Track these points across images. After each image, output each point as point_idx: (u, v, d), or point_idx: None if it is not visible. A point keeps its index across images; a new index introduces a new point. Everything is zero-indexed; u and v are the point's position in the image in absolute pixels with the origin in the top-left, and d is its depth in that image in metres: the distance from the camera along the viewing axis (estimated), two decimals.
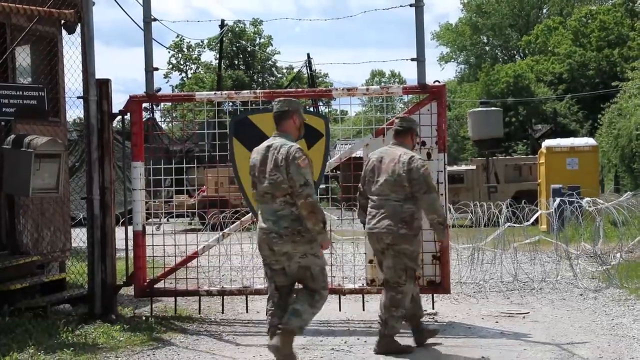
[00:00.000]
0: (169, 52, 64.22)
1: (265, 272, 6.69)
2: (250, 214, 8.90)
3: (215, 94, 9.49)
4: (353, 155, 9.61)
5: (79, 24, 9.08)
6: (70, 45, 9.66)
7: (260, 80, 65.59)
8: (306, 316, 6.47)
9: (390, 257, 7.15)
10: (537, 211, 13.55)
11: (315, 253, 6.48)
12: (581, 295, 9.99)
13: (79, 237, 10.71)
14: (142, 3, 9.17)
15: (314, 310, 6.52)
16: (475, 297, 10.13)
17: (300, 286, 6.62)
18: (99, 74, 8.89)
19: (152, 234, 9.16)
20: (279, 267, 6.49)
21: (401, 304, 7.16)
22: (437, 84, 8.84)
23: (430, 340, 7.48)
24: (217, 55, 44.23)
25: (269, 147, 6.56)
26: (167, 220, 16.59)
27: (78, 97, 9.02)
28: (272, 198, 6.44)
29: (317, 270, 6.50)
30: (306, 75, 45.24)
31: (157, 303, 9.47)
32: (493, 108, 30.98)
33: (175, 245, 9.22)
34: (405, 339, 7.43)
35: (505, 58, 63.97)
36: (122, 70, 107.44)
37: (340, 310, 8.95)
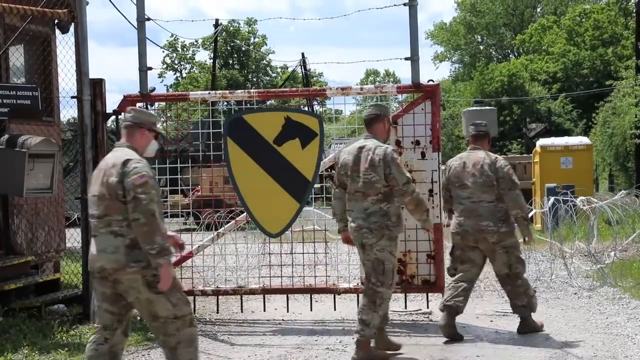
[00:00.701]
0: (163, 51, 64.16)
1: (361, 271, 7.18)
2: (245, 213, 8.90)
3: (209, 93, 9.49)
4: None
5: (73, 24, 9.07)
6: (64, 45, 9.66)
7: (254, 79, 65.59)
8: (374, 321, 6.80)
9: (501, 254, 7.70)
10: (532, 210, 13.56)
11: (392, 251, 6.87)
12: (575, 294, 10.01)
13: (74, 237, 10.69)
14: (136, 2, 9.17)
15: (380, 313, 6.86)
16: (470, 296, 10.12)
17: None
18: (93, 74, 8.90)
19: None
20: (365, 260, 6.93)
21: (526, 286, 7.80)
22: (431, 83, 8.84)
23: None
24: (212, 55, 44.23)
25: (361, 148, 6.97)
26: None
27: (72, 97, 9.01)
28: (363, 196, 6.86)
29: (389, 267, 6.84)
30: (301, 74, 45.26)
31: None
32: (487, 107, 31.01)
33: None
34: (400, 337, 7.42)
35: (500, 57, 64.04)
36: (116, 70, 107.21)
37: (335, 309, 8.96)
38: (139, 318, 8.68)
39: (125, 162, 5.33)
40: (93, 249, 5.43)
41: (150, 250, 5.19)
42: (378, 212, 6.80)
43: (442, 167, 8.43)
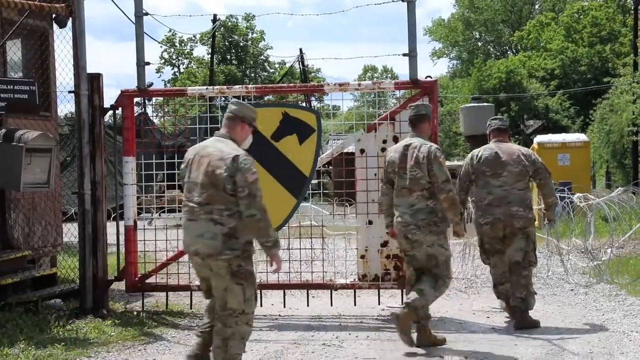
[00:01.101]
0: (161, 46, 64.19)
1: (405, 260, 7.62)
2: None
3: (207, 89, 9.47)
4: (344, 150, 9.60)
5: (70, 18, 9.06)
6: (62, 40, 9.64)
7: (252, 75, 65.54)
8: (428, 297, 7.13)
9: (521, 239, 8.01)
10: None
11: (442, 244, 7.26)
12: (572, 290, 10.03)
13: (70, 232, 10.68)
14: None
15: (436, 294, 7.23)
16: (467, 292, 10.15)
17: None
18: (91, 69, 8.88)
19: (144, 229, 9.15)
20: (413, 253, 7.30)
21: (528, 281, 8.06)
22: (428, 79, 8.84)
23: None
24: (210, 50, 44.16)
25: (407, 146, 7.36)
26: (159, 215, 16.55)
27: (69, 92, 9.00)
28: (409, 192, 7.27)
29: (442, 259, 7.23)
30: (298, 70, 45.21)
31: (149, 298, 9.47)
32: (485, 104, 31.03)
33: (166, 240, 9.20)
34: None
35: (498, 54, 64.01)
36: (114, 65, 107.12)
37: (332, 305, 8.96)
38: (135, 313, 8.70)
39: (235, 158, 5.66)
40: (188, 232, 5.81)
41: (266, 243, 5.68)
42: (425, 209, 7.21)
43: (466, 158, 8.60)
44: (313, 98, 39.43)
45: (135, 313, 8.75)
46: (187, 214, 5.84)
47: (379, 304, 9.08)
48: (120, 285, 9.50)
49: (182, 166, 6.03)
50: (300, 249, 8.98)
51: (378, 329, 8.01)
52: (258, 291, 8.95)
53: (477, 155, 8.38)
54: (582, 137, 22.51)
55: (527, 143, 33.29)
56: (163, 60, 65.67)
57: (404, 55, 8.76)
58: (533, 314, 8.04)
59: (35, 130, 8.98)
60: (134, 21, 9.14)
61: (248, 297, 5.76)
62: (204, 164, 5.75)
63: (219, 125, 8.82)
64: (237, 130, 6.01)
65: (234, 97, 10.01)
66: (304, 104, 30.19)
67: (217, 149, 5.79)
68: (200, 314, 8.83)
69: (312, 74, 59.77)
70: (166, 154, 10.02)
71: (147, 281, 9.10)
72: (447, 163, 25.26)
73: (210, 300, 5.99)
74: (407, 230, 7.24)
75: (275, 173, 8.64)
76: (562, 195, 12.40)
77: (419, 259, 7.28)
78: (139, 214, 9.40)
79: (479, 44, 66.74)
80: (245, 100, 9.38)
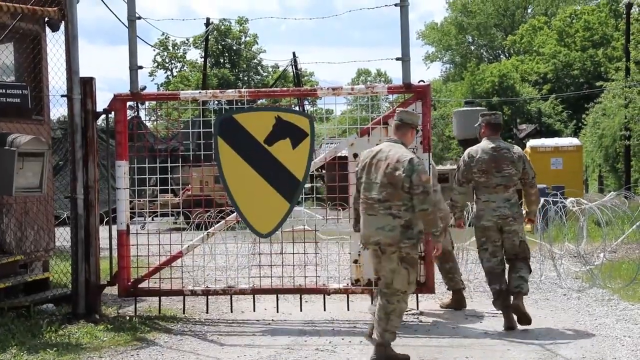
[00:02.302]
0: (154, 50, 64.05)
1: (490, 251, 8.22)
2: (235, 213, 8.88)
3: (200, 92, 9.46)
4: (338, 154, 9.60)
5: (63, 22, 9.03)
6: (54, 43, 9.62)
7: (245, 78, 65.50)
8: (527, 279, 8.15)
9: (515, 237, 8.30)
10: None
11: (524, 231, 8.36)
12: (565, 295, 10.03)
13: (63, 236, 10.66)
14: (126, 1, 9.13)
15: (529, 274, 8.25)
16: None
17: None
18: (83, 72, 8.86)
19: (137, 233, 9.13)
20: (508, 242, 8.16)
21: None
22: (421, 83, 8.84)
23: None
24: (203, 54, 44.12)
25: (495, 148, 8.28)
26: (152, 219, 16.54)
27: (62, 96, 8.98)
28: (504, 188, 8.20)
29: (525, 244, 8.28)
30: (292, 74, 45.22)
31: (141, 303, 9.44)
32: (478, 107, 31.04)
33: (159, 244, 9.18)
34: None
35: (491, 58, 64.17)
36: (107, 69, 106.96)
37: (325, 310, 8.95)
38: (128, 318, 8.68)
39: (411, 161, 6.66)
40: (368, 225, 6.77)
41: (435, 232, 6.85)
42: (516, 203, 8.25)
43: (464, 158, 8.52)
44: (306, 102, 39.46)
45: (127, 318, 8.72)
46: (366, 209, 6.80)
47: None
48: (113, 290, 9.48)
49: (358, 168, 7.01)
50: (293, 253, 8.97)
51: (371, 334, 8.00)
52: (251, 296, 8.99)
53: (477, 157, 8.42)
54: (574, 141, 22.58)
55: (520, 147, 33.32)
56: (156, 64, 65.60)
57: (397, 59, 8.76)
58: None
59: (27, 135, 8.96)
60: (127, 25, 9.12)
61: (411, 280, 6.80)
62: (382, 167, 6.73)
63: (212, 129, 8.87)
64: (408, 136, 7.09)
65: (227, 100, 10.01)
66: (297, 108, 30.22)
67: (394, 152, 6.75)
68: (193, 319, 8.84)
69: (305, 78, 59.80)
70: (159, 157, 9.99)
71: (139, 286, 9.08)
72: (439, 167, 25.35)
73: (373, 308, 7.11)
74: (504, 223, 8.14)
75: (268, 177, 8.63)
76: (555, 199, 12.42)
77: (512, 247, 8.17)
78: (131, 218, 9.38)
79: (472, 47, 66.89)
80: (238, 103, 9.38)
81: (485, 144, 8.42)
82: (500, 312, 8.25)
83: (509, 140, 43.19)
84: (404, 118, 7.07)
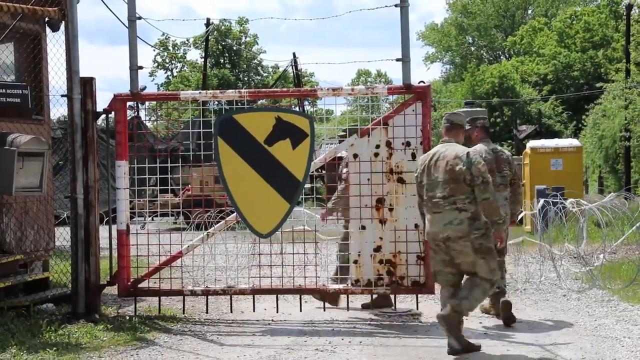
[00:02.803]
0: (154, 50, 64.10)
1: None
2: (235, 213, 8.89)
3: (200, 93, 9.47)
4: (338, 155, 9.61)
5: (63, 22, 9.03)
6: (54, 43, 9.62)
7: (246, 79, 65.52)
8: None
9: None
10: (522, 212, 13.59)
11: None
12: (564, 296, 10.03)
13: (63, 236, 10.65)
14: (127, 1, 9.13)
15: None
16: None
17: None
18: (83, 72, 8.86)
19: (137, 233, 9.13)
20: None
21: None
22: (421, 84, 8.85)
23: None
24: (203, 54, 44.13)
25: (493, 149, 8.56)
26: (152, 219, 16.54)
27: (62, 95, 8.98)
28: (504, 188, 8.48)
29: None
30: (292, 74, 45.22)
31: (141, 303, 9.44)
32: (478, 108, 31.03)
33: (159, 244, 9.18)
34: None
35: (491, 59, 64.19)
36: (107, 69, 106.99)
37: (324, 310, 8.95)
38: (127, 318, 8.68)
39: (468, 154, 7.01)
40: (436, 223, 7.06)
41: (498, 220, 7.09)
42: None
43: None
44: (306, 102, 39.47)
45: (127, 318, 8.72)
46: (431, 208, 7.12)
47: (372, 309, 9.08)
48: (113, 290, 9.48)
49: (417, 172, 7.34)
50: (293, 253, 8.97)
51: (371, 334, 8.00)
52: (250, 296, 8.99)
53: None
54: (574, 142, 22.55)
55: (520, 148, 33.35)
56: (156, 64, 65.68)
57: (397, 60, 8.76)
58: (526, 318, 8.05)
59: (27, 134, 8.96)
60: (127, 25, 9.12)
61: (492, 268, 6.99)
62: (441, 165, 7.08)
63: (212, 130, 8.87)
64: (460, 136, 7.46)
65: (227, 101, 10.00)
66: (297, 109, 30.19)
67: (451, 150, 7.12)
68: (193, 319, 8.84)
69: (306, 78, 59.82)
70: (159, 158, 9.99)
71: (139, 286, 9.08)
72: None
73: (447, 290, 7.14)
74: None
75: (268, 177, 8.64)
76: (555, 200, 12.43)
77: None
78: (131, 218, 9.38)
79: (472, 48, 66.92)
80: (238, 104, 9.38)
81: (483, 146, 8.51)
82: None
83: (509, 141, 43.31)
84: (454, 120, 7.46)
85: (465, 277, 7.12)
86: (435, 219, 7.08)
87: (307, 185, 9.48)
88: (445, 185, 7.02)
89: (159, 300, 9.12)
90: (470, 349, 6.97)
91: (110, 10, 22.64)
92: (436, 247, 7.15)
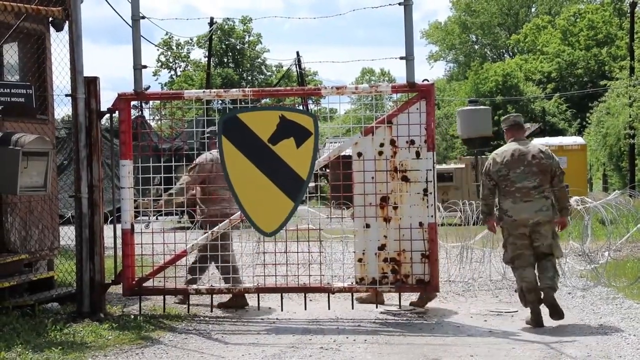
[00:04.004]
0: (158, 49, 64.06)
1: None
2: (239, 212, 8.89)
3: (204, 92, 9.47)
4: (342, 153, 9.60)
5: (67, 22, 9.04)
6: (58, 43, 9.62)
7: (249, 78, 65.52)
8: None
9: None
10: None
11: None
12: (569, 293, 10.02)
13: (67, 235, 10.66)
14: (130, 1, 9.13)
15: None
16: (464, 295, 10.14)
17: None
18: (87, 72, 8.86)
19: (141, 232, 9.14)
20: None
21: None
22: (425, 82, 8.84)
23: None
24: (206, 53, 44.15)
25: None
26: (156, 218, 16.51)
27: (66, 95, 8.99)
28: None
29: None
30: (295, 73, 45.21)
31: (146, 301, 9.44)
32: (482, 107, 31.03)
33: (164, 243, 9.19)
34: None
35: (494, 57, 64.11)
36: (111, 68, 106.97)
37: (329, 308, 8.95)
38: (132, 317, 8.69)
39: (546, 149, 8.31)
40: (526, 210, 8.13)
41: (568, 206, 8.49)
42: None
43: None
44: (310, 101, 39.46)
45: (132, 317, 8.73)
46: (521, 197, 8.14)
47: (376, 307, 9.09)
48: (118, 289, 9.49)
49: (494, 168, 8.27)
50: (297, 252, 8.97)
51: (375, 333, 8.01)
52: (255, 295, 8.99)
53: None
54: (578, 140, 22.57)
55: None
56: (160, 63, 65.65)
57: (401, 58, 8.76)
58: (526, 317, 8.05)
59: (32, 134, 8.96)
60: (131, 25, 9.13)
61: (559, 246, 8.35)
62: (528, 159, 8.19)
63: (216, 128, 8.87)
64: (521, 133, 8.57)
65: (231, 100, 10.02)
66: (301, 107, 30.21)
67: (532, 146, 8.35)
68: (198, 318, 8.84)
69: (309, 77, 59.77)
70: (163, 157, 10.01)
71: (144, 285, 9.08)
72: (443, 166, 25.39)
73: (529, 270, 8.13)
74: None
75: (272, 176, 8.64)
76: None
77: None
78: (136, 217, 9.39)
79: (476, 47, 66.87)
80: (242, 103, 9.39)
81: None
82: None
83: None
84: (520, 121, 8.62)
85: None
86: (525, 207, 8.13)
87: (312, 184, 9.47)
88: (534, 176, 8.14)
89: (164, 299, 9.13)
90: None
91: (114, 10, 22.69)
92: (519, 234, 8.14)
